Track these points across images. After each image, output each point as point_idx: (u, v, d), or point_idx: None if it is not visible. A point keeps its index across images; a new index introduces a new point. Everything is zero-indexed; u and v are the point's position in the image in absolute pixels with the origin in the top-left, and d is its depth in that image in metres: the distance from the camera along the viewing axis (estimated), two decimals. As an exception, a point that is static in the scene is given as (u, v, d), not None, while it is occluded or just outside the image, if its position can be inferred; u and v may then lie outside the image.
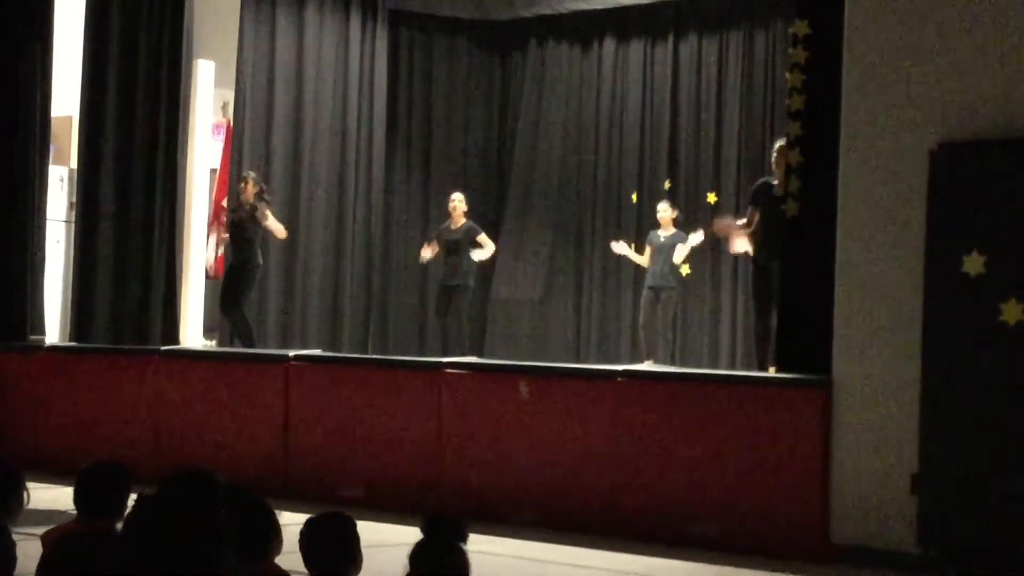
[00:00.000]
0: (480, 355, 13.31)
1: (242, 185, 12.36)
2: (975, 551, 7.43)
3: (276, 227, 12.34)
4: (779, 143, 10.11)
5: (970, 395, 7.42)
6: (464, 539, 3.69)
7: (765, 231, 10.04)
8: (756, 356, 10.35)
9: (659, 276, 12.83)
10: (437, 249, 13.26)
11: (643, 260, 13.12)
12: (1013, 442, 7.32)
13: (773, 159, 10.08)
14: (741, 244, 10.73)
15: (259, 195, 12.25)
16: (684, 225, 13.69)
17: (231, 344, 12.35)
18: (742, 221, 10.74)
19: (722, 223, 10.85)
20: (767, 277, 10.02)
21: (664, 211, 13.02)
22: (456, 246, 13.04)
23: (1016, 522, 7.30)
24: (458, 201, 13.19)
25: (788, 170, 8.60)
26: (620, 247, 13.37)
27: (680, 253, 12.76)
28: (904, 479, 7.61)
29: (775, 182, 9.97)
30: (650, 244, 13.06)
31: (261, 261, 12.46)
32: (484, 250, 13.10)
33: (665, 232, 12.93)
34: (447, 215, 13.36)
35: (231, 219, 12.36)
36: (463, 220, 13.13)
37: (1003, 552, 7.35)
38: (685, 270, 13.37)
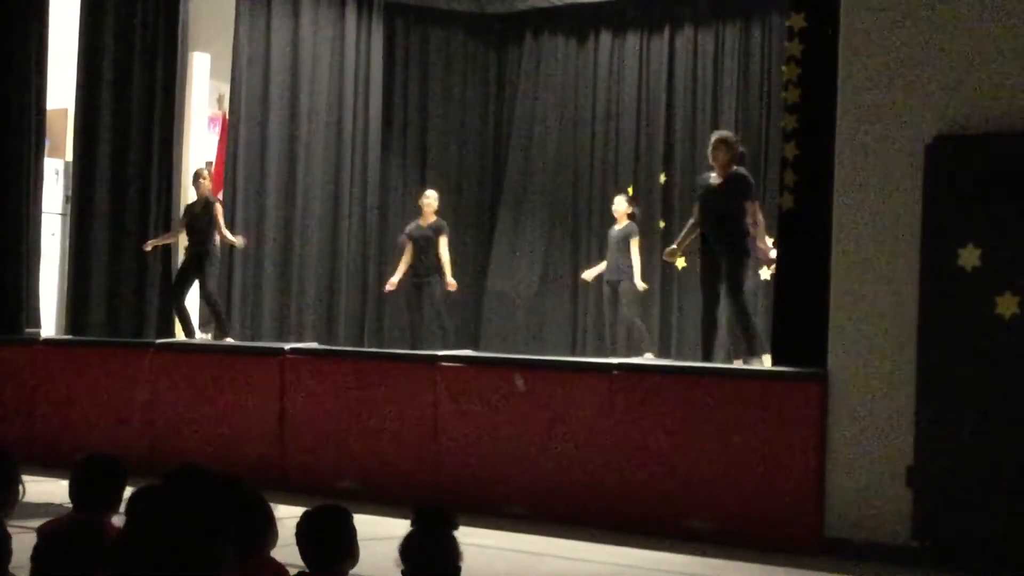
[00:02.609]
0: (475, 348, 13.31)
1: (200, 180, 12.29)
2: (970, 544, 7.44)
3: (231, 239, 12.33)
4: (715, 136, 10.21)
5: (965, 388, 7.43)
6: (455, 527, 3.69)
7: (706, 224, 10.05)
8: (701, 346, 10.32)
9: (613, 270, 12.90)
10: (407, 248, 13.20)
11: (601, 267, 13.18)
12: (1008, 435, 7.32)
13: (709, 153, 10.11)
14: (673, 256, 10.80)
15: (211, 189, 12.28)
16: (681, 218, 13.68)
17: (213, 329, 12.33)
18: (676, 243, 10.71)
19: (667, 253, 10.93)
20: (714, 270, 10.04)
21: (619, 205, 13.08)
22: (426, 242, 13.05)
23: (1011, 515, 7.31)
24: (431, 199, 13.17)
25: (784, 163, 8.61)
26: (588, 273, 13.41)
27: (636, 274, 12.80)
28: (899, 472, 7.62)
29: (712, 175, 10.03)
30: (608, 240, 13.15)
31: (219, 253, 12.41)
32: (444, 261, 13.06)
33: (618, 226, 13.00)
34: (419, 210, 13.33)
35: (187, 212, 12.28)
36: (433, 218, 13.12)
37: (997, 545, 7.36)
38: (681, 263, 13.36)
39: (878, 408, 7.76)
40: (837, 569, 7.47)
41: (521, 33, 15.36)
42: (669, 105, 14.38)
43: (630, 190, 14.39)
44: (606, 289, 13.07)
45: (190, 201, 12.46)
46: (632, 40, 14.67)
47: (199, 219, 12.11)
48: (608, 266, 13.03)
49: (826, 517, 7.87)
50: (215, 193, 13.67)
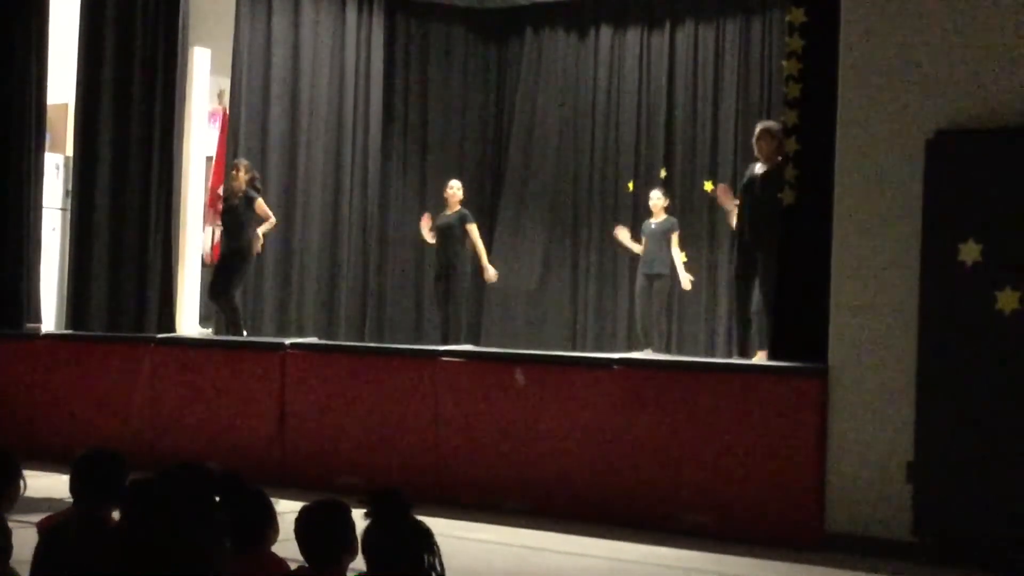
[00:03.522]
0: (476, 343, 13.31)
1: (234, 172, 12.32)
2: (970, 539, 7.44)
3: (268, 213, 12.28)
4: (759, 127, 10.13)
5: (966, 383, 7.43)
6: (408, 507, 3.56)
7: (748, 215, 10.02)
8: (737, 341, 10.32)
9: (652, 263, 12.84)
10: (429, 223, 13.20)
11: (639, 248, 13.12)
12: (1008, 430, 7.33)
13: (754, 143, 10.04)
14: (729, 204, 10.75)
15: (251, 182, 12.21)
16: (681, 213, 13.69)
17: (225, 331, 12.34)
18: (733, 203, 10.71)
19: (722, 193, 10.81)
20: (750, 264, 10.01)
21: (657, 199, 13.04)
22: (449, 231, 13.02)
23: (1011, 510, 7.32)
24: (455, 188, 13.16)
25: (785, 158, 8.61)
26: (622, 232, 13.35)
27: (681, 272, 12.78)
28: (900, 467, 7.62)
29: (759, 166, 9.97)
30: (643, 232, 13.08)
31: (253, 249, 12.41)
32: (478, 250, 13.04)
33: (656, 220, 12.96)
34: (444, 201, 13.33)
35: (224, 207, 12.34)
36: (458, 207, 13.10)
37: (998, 540, 7.36)
38: (683, 258, 13.35)
39: (878, 403, 7.76)
40: (837, 564, 7.47)
41: (521, 28, 15.35)
42: (670, 100, 14.37)
43: (630, 185, 14.40)
44: (641, 281, 12.98)
45: (224, 191, 12.41)
46: (632, 35, 14.66)
47: (238, 214, 12.10)
48: (646, 259, 12.94)
49: (826, 512, 7.87)
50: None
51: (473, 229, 12.99)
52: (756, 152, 9.99)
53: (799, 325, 8.38)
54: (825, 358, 7.96)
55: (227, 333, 12.15)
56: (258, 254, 12.68)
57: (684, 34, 14.34)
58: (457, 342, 12.24)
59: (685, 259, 13.26)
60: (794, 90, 8.49)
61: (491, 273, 13.13)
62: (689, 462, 8.35)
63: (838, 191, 8.01)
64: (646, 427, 8.52)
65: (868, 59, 7.93)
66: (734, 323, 12.55)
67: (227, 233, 12.30)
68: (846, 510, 7.80)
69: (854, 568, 7.42)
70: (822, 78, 8.22)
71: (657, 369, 8.90)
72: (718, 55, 14.10)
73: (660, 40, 14.47)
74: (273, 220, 12.41)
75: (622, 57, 14.72)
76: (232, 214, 12.16)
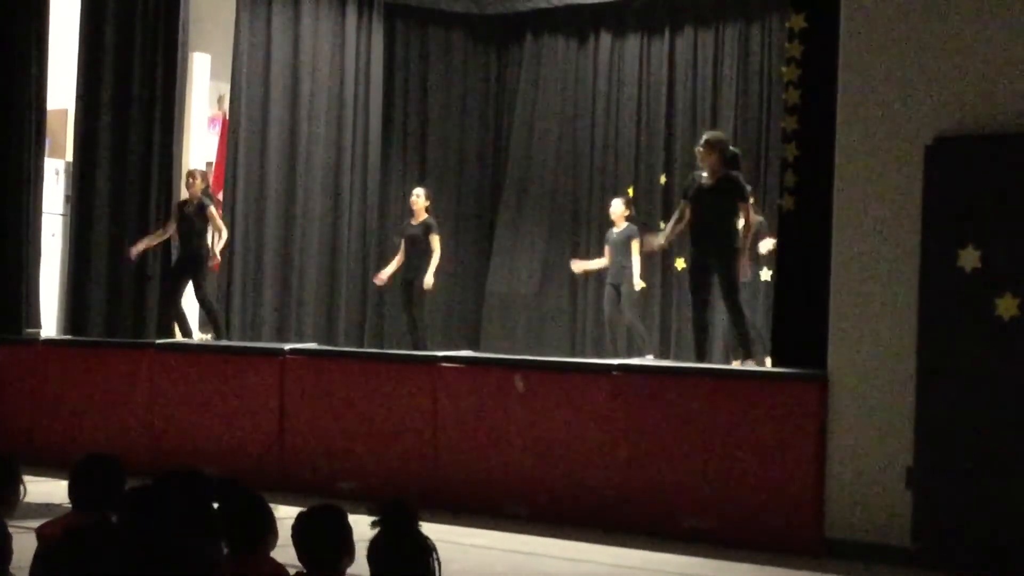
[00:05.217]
0: (475, 349, 13.30)
1: (190, 180, 12.23)
2: (969, 545, 7.44)
3: (220, 225, 12.16)
4: (704, 137, 10.24)
5: (965, 389, 7.43)
6: (416, 520, 3.61)
7: (697, 226, 10.06)
8: (694, 349, 10.34)
9: (616, 273, 12.83)
10: (402, 246, 13.22)
11: (603, 261, 13.08)
12: (1007, 436, 7.33)
13: (699, 154, 10.09)
14: (654, 241, 11.08)
15: (206, 191, 12.16)
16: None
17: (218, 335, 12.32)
18: (662, 235, 10.85)
19: (646, 246, 11.06)
20: (704, 272, 10.04)
21: (616, 208, 13.01)
22: (414, 241, 13.03)
23: (1010, 516, 7.32)
24: (418, 196, 13.12)
25: (784, 164, 8.62)
26: (577, 265, 13.35)
27: (635, 274, 12.73)
28: (899, 473, 7.62)
29: (704, 174, 10.02)
30: (607, 242, 13.09)
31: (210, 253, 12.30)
32: (432, 259, 13.01)
33: (617, 229, 12.94)
34: (409, 210, 13.32)
35: (179, 214, 12.19)
36: (424, 215, 13.06)
37: (996, 546, 7.36)
38: (681, 263, 13.34)
39: (878, 409, 7.76)
40: (836, 570, 7.48)
41: (521, 34, 15.35)
42: (669, 106, 14.37)
43: (630, 191, 14.38)
44: (609, 291, 13.00)
45: (181, 199, 12.28)
46: (632, 41, 14.65)
47: (192, 221, 12.02)
48: (611, 269, 12.95)
49: (826, 518, 7.87)
50: (216, 193, 13.67)
51: (435, 240, 12.95)
52: (699, 161, 10.06)
53: (799, 331, 8.38)
54: (825, 364, 7.96)
55: (213, 334, 12.16)
56: (214, 270, 12.59)
57: (683, 40, 14.33)
58: (425, 347, 12.27)
59: (683, 265, 13.26)
60: (794, 96, 8.50)
61: (428, 283, 13.01)
62: (689, 468, 8.34)
63: (837, 197, 8.01)
64: (645, 432, 8.52)
65: (867, 65, 7.94)
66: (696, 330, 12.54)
67: (181, 240, 12.17)
68: (845, 516, 7.80)
69: (853, 574, 7.42)
70: (822, 84, 8.23)
71: (656, 375, 8.89)
72: (717, 61, 14.09)
73: (659, 46, 14.47)
74: (225, 233, 12.25)
75: (622, 63, 14.72)
76: (190, 222, 12.07)
